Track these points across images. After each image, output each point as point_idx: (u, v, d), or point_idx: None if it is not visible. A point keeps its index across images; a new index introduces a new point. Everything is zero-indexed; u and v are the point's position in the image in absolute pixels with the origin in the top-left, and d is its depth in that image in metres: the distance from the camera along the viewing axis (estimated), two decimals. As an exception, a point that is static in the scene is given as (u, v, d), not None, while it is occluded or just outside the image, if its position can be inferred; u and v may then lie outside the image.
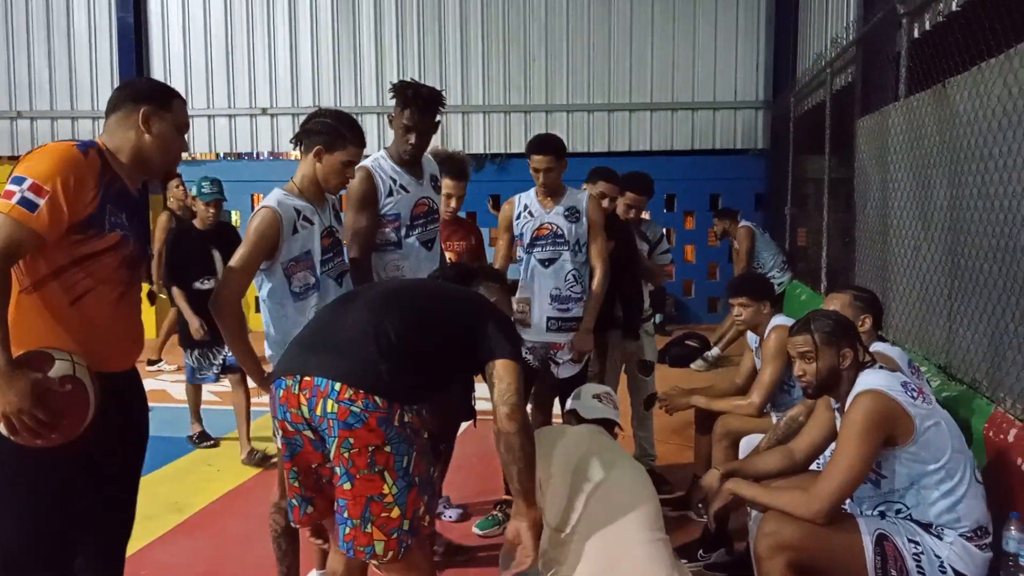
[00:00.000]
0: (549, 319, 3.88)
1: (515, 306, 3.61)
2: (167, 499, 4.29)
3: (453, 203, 4.13)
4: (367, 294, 2.46)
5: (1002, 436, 2.75)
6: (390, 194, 3.36)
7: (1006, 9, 3.24)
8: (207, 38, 10.41)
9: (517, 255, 4.05)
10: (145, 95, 2.27)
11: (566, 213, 3.89)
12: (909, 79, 4.37)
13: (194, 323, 5.01)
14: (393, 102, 3.36)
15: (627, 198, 4.45)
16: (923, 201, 3.93)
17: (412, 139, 3.34)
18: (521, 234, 3.96)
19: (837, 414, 2.72)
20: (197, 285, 5.12)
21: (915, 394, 2.52)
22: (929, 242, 3.81)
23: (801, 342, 2.67)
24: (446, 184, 3.93)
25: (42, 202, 2.00)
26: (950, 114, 3.56)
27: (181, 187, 7.96)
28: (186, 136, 2.37)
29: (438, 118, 3.40)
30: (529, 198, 3.98)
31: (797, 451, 2.93)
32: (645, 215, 4.94)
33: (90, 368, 2.13)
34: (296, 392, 2.17)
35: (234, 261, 2.74)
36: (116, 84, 10.35)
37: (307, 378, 2.17)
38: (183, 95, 2.38)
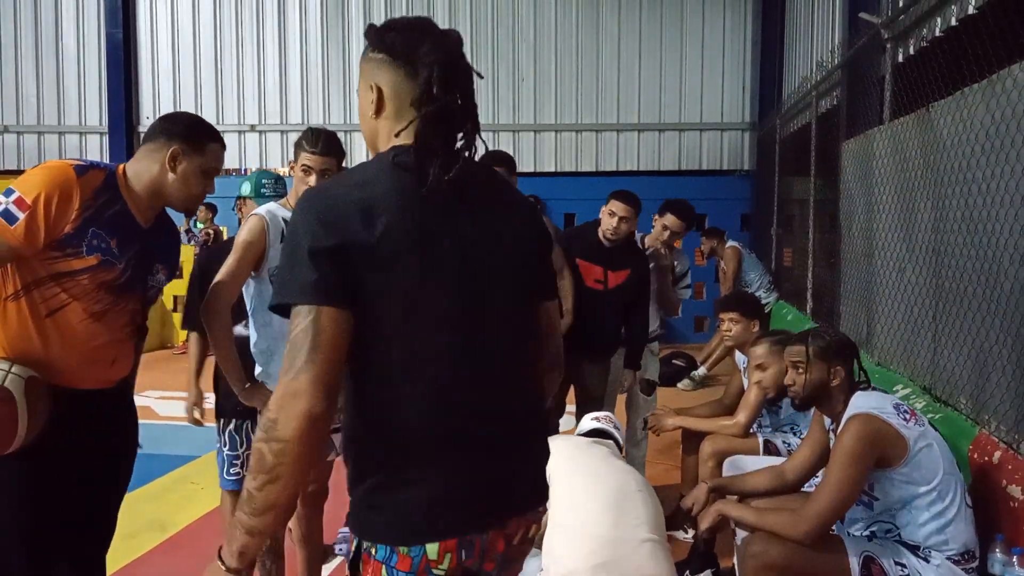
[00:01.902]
0: None
1: None
2: (149, 517, 4.24)
3: None
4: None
5: (987, 458, 2.76)
6: None
7: (988, 35, 3.29)
8: (196, 54, 10.44)
9: None
10: (180, 134, 2.26)
11: None
12: (893, 103, 4.42)
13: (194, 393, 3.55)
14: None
15: (668, 220, 4.40)
16: (907, 223, 3.97)
17: None
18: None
19: (831, 435, 2.73)
20: (240, 329, 3.16)
21: (907, 416, 2.54)
22: (913, 264, 3.85)
23: (795, 352, 2.73)
24: None
25: (22, 216, 2.05)
26: (934, 138, 3.60)
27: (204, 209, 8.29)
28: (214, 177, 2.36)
29: None
30: None
31: (789, 471, 2.94)
32: (676, 244, 4.88)
33: (50, 381, 2.16)
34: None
35: (223, 269, 2.75)
36: (104, 99, 10.42)
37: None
38: (223, 144, 2.36)
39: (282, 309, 1.37)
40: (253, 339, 2.92)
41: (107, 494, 2.45)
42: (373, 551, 1.40)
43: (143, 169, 2.26)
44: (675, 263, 4.75)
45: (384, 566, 1.38)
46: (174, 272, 2.53)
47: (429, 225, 1.38)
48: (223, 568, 1.39)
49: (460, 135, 1.46)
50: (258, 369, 2.92)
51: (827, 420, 2.79)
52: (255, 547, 1.38)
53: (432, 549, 1.37)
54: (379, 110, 1.48)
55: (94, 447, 2.32)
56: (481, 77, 1.50)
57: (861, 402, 2.58)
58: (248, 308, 2.91)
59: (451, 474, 1.40)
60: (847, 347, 2.75)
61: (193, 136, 2.27)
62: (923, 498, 2.47)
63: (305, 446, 1.30)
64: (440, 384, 1.40)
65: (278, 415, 1.30)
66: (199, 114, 10.97)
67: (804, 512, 2.50)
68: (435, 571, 1.37)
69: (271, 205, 2.92)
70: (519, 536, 1.50)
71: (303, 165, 2.85)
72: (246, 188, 3.89)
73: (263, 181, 3.80)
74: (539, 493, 1.56)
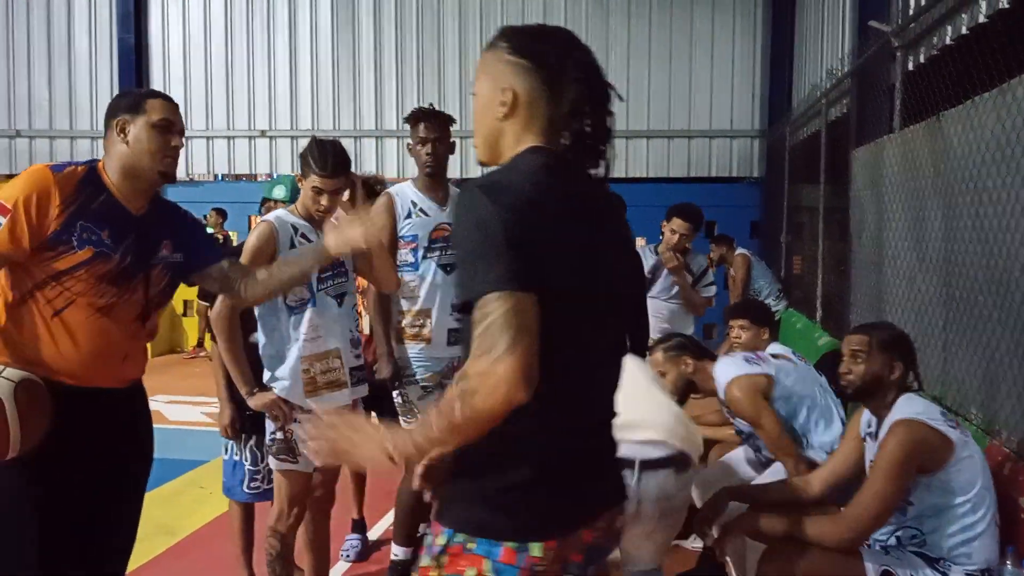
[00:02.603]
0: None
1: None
2: (158, 521, 4.25)
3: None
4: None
5: (997, 470, 2.74)
6: (408, 216, 3.45)
7: (998, 44, 3.29)
8: (207, 60, 10.48)
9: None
10: (120, 106, 2.29)
11: None
12: (903, 111, 4.41)
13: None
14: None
15: (674, 223, 4.44)
16: (918, 232, 3.96)
17: (428, 149, 3.44)
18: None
19: (868, 440, 2.69)
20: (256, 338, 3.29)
21: (953, 424, 2.52)
22: (924, 273, 3.83)
23: (856, 340, 2.66)
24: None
25: (3, 221, 2.10)
26: (944, 147, 3.60)
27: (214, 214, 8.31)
28: (179, 133, 2.32)
29: (453, 139, 3.54)
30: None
31: (816, 481, 2.85)
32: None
33: (63, 382, 2.18)
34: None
35: None
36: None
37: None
38: (167, 98, 2.35)
39: (467, 306, 1.36)
40: (261, 344, 2.93)
41: (124, 501, 2.44)
42: (471, 544, 1.41)
43: (111, 156, 2.28)
44: (689, 264, 4.75)
45: (486, 559, 1.39)
46: (193, 244, 2.48)
47: (581, 229, 1.46)
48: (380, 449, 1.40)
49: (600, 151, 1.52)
50: (267, 374, 2.94)
51: (864, 422, 2.73)
52: (417, 455, 1.42)
53: (536, 545, 1.40)
54: (510, 113, 1.51)
55: (107, 451, 2.31)
56: (621, 100, 1.56)
57: (907, 407, 2.53)
58: (256, 313, 2.93)
59: (564, 471, 1.45)
60: (908, 344, 2.69)
61: (130, 101, 2.29)
62: (956, 508, 2.44)
63: (495, 423, 1.32)
64: (574, 381, 1.46)
65: (479, 389, 1.30)
66: (210, 119, 11.05)
67: (847, 517, 2.47)
68: (537, 567, 1.40)
69: (280, 212, 2.95)
70: (605, 528, 1.55)
71: (314, 187, 2.86)
72: (280, 192, 3.82)
73: (299, 186, 3.57)
74: (621, 489, 1.62)
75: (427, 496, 1.59)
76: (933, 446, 2.43)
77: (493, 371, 1.28)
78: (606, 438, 1.58)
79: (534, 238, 1.36)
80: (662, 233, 4.82)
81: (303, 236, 2.90)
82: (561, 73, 1.48)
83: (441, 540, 1.44)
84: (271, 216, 2.92)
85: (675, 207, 4.58)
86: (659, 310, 4.77)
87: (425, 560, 1.47)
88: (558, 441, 1.44)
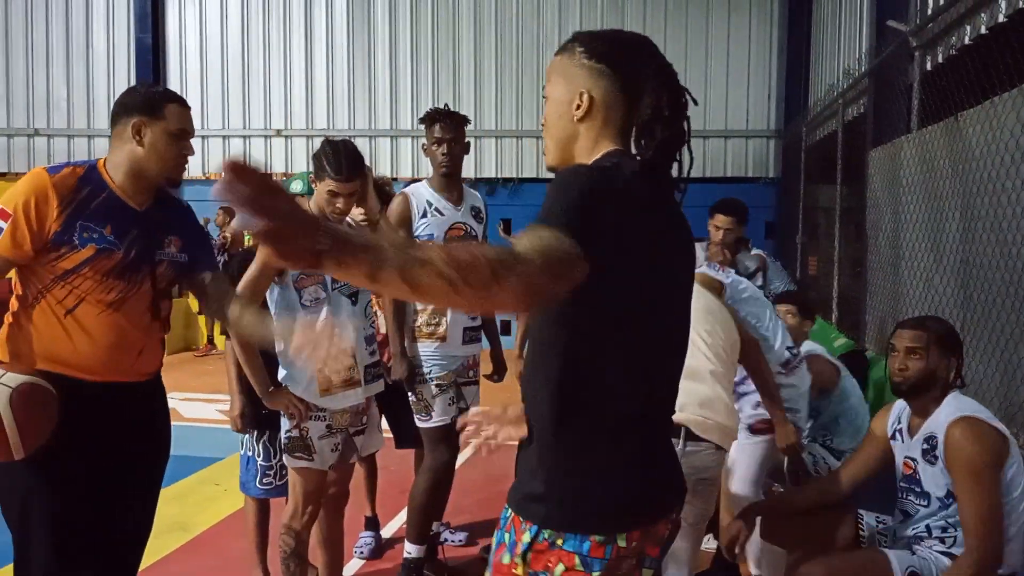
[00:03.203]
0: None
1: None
2: (172, 518, 4.28)
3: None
4: None
5: (1015, 472, 2.72)
6: (424, 215, 3.48)
7: (1018, 44, 3.26)
8: (224, 59, 10.55)
9: None
10: (137, 106, 2.27)
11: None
12: (921, 111, 4.38)
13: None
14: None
15: (717, 219, 4.40)
16: (935, 233, 3.93)
17: (444, 149, 3.47)
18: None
19: (897, 437, 2.65)
20: None
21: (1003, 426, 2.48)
22: (941, 274, 3.81)
23: (913, 336, 2.56)
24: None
25: (5, 226, 2.14)
26: (962, 147, 3.57)
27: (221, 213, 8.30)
28: (190, 140, 2.33)
29: (468, 139, 3.56)
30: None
31: (845, 478, 2.79)
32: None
33: (83, 378, 2.22)
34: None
35: (247, 275, 2.78)
36: (133, 103, 10.54)
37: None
38: (184, 103, 2.34)
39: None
40: (278, 345, 2.94)
41: (140, 494, 2.46)
42: (559, 540, 1.41)
43: (118, 153, 2.28)
44: (736, 264, 4.61)
45: (576, 555, 1.40)
46: (196, 247, 2.49)
47: (658, 225, 1.48)
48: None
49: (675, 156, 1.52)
50: (282, 373, 2.95)
51: (893, 420, 2.69)
52: (363, 262, 1.09)
53: (622, 536, 1.42)
54: (585, 117, 1.52)
55: (125, 445, 2.33)
56: (696, 103, 1.55)
57: (961, 405, 2.46)
58: (272, 313, 2.93)
59: (647, 465, 1.49)
60: (959, 340, 2.62)
61: (149, 103, 2.26)
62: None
63: (493, 299, 1.18)
64: (650, 375, 1.48)
65: (522, 252, 1.18)
66: (226, 118, 11.10)
67: (970, 555, 2.35)
68: (623, 556, 1.42)
69: None
70: (675, 520, 1.57)
71: (330, 190, 2.85)
72: (298, 186, 3.89)
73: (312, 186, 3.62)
74: (684, 484, 1.62)
75: (483, 452, 1.64)
76: (999, 443, 2.38)
77: (537, 236, 1.22)
78: (669, 428, 1.64)
79: (619, 225, 1.35)
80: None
81: None
82: (639, 78, 1.49)
83: (526, 537, 1.43)
84: None
85: (716, 203, 4.52)
86: None
87: (506, 558, 1.47)
88: (637, 433, 1.47)
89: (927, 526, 2.54)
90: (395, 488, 4.17)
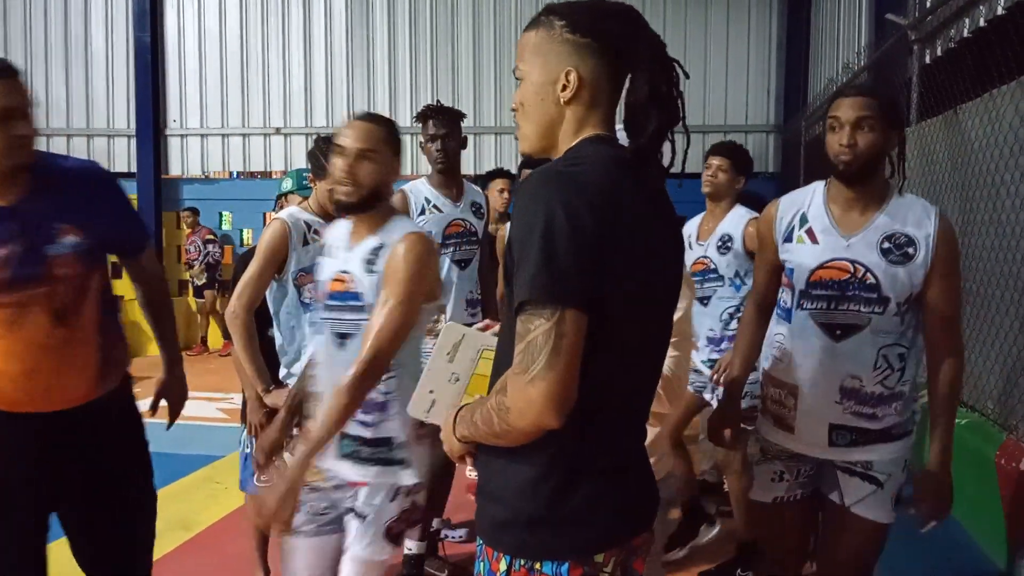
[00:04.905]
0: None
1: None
2: (174, 517, 4.28)
3: None
4: None
5: (1014, 464, 2.72)
6: (422, 212, 3.47)
7: (1017, 36, 3.25)
8: (222, 58, 10.54)
9: None
10: None
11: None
12: (921, 104, 4.37)
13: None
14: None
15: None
16: (934, 227, 3.91)
17: (438, 145, 3.46)
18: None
19: (805, 239, 2.21)
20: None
21: None
22: (940, 268, 3.79)
23: (862, 104, 2.11)
24: None
25: None
26: (961, 140, 3.56)
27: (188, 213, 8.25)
28: (25, 118, 1.97)
29: (464, 133, 3.55)
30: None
31: (763, 295, 2.41)
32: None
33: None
34: None
35: (246, 273, 2.78)
36: (132, 103, 10.55)
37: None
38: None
39: (519, 308, 1.26)
40: (279, 342, 2.94)
41: (105, 516, 2.17)
42: (537, 566, 1.34)
43: None
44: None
45: None
46: (104, 218, 2.10)
47: (649, 230, 1.36)
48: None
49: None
50: (283, 371, 2.95)
51: (787, 218, 2.26)
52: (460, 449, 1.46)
53: (600, 555, 1.36)
54: (573, 99, 1.37)
55: (66, 477, 2.06)
56: (688, 77, 1.41)
57: (921, 202, 2.19)
58: (272, 310, 2.93)
59: (620, 480, 1.40)
60: (903, 116, 2.27)
61: None
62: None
63: (529, 439, 1.29)
64: (624, 387, 1.38)
65: (511, 408, 1.27)
66: (225, 117, 11.08)
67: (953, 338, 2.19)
68: (603, 570, 1.37)
69: (293, 209, 2.95)
70: (650, 535, 1.50)
71: (330, 188, 2.83)
72: (287, 184, 3.84)
73: (305, 175, 3.62)
74: (657, 495, 1.54)
75: (469, 473, 1.64)
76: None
77: (526, 393, 1.23)
78: (643, 444, 1.50)
79: (603, 245, 1.25)
80: None
81: (316, 232, 2.91)
82: (630, 52, 1.35)
83: (502, 566, 1.36)
84: (284, 214, 2.92)
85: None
86: None
87: None
88: (610, 448, 1.37)
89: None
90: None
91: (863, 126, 2.10)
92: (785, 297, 2.27)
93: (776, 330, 2.32)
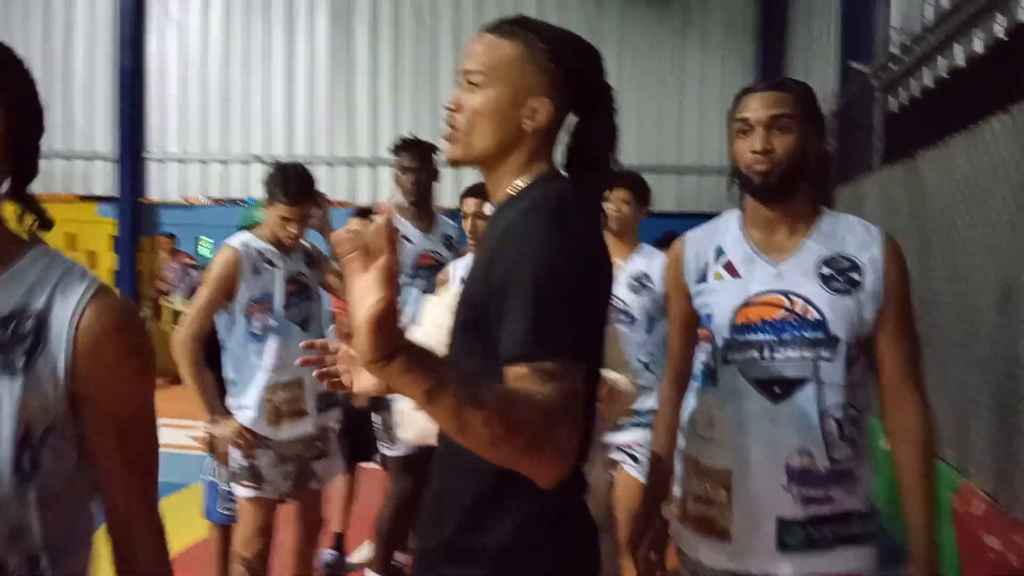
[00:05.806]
0: None
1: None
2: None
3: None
4: None
5: (969, 509, 2.75)
6: None
7: (972, 88, 3.37)
8: (204, 85, 10.57)
9: None
10: None
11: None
12: (884, 151, 4.49)
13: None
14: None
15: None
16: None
17: (411, 178, 3.50)
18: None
19: (727, 274, 1.81)
20: None
21: None
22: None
23: (774, 100, 1.73)
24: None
25: None
26: (919, 187, 3.66)
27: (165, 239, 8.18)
28: None
29: (436, 167, 3.55)
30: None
31: (682, 366, 1.98)
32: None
33: None
34: None
35: (195, 301, 2.78)
36: (114, 127, 10.53)
37: None
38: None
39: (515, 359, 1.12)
40: (225, 371, 2.93)
41: None
42: None
43: None
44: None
45: None
46: None
47: (609, 267, 1.33)
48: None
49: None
50: (231, 401, 2.94)
51: (697, 256, 1.90)
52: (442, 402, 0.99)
53: None
54: (538, 127, 1.28)
55: None
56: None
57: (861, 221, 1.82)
58: (220, 340, 2.92)
59: (576, 527, 1.31)
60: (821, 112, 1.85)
61: None
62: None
63: (546, 475, 1.09)
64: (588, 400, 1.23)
65: (538, 435, 1.03)
66: (205, 143, 11.05)
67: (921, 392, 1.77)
68: None
69: (245, 235, 2.91)
70: None
71: (281, 216, 2.84)
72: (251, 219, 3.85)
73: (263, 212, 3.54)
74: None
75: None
76: None
77: (546, 444, 1.04)
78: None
79: (594, 293, 1.20)
80: None
81: (268, 261, 2.90)
82: (596, 96, 1.30)
83: None
84: (235, 241, 2.88)
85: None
86: None
87: None
88: (576, 470, 1.25)
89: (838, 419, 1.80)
90: (364, 519, 4.15)
91: (779, 126, 1.71)
92: (705, 355, 1.82)
93: (695, 402, 1.87)
